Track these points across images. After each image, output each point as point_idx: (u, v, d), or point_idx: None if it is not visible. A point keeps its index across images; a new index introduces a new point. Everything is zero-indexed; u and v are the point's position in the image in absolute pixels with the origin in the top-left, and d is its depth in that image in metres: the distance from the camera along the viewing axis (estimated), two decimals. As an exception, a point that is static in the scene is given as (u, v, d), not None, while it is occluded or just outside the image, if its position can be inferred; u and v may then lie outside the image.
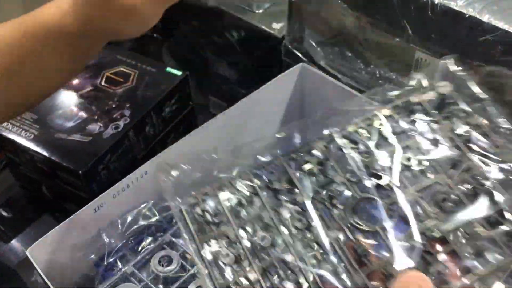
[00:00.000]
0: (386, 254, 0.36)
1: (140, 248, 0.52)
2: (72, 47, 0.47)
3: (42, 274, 0.43)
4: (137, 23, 0.45)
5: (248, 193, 0.39)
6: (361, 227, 0.37)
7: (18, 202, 0.73)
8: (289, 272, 0.35)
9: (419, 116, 0.45)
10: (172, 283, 0.49)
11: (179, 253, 0.52)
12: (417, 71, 0.60)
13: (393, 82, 0.63)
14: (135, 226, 0.52)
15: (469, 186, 0.40)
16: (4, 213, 0.71)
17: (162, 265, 0.50)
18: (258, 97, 0.60)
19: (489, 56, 0.54)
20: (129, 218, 0.52)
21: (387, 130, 0.43)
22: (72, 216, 0.47)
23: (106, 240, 0.50)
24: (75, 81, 0.73)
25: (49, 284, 0.43)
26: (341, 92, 0.60)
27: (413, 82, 0.48)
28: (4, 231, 0.69)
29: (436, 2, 0.54)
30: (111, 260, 0.50)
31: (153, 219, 0.53)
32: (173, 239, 0.52)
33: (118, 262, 0.50)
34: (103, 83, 0.73)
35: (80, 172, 0.62)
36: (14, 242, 0.66)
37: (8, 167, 0.72)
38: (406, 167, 0.41)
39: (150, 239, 0.52)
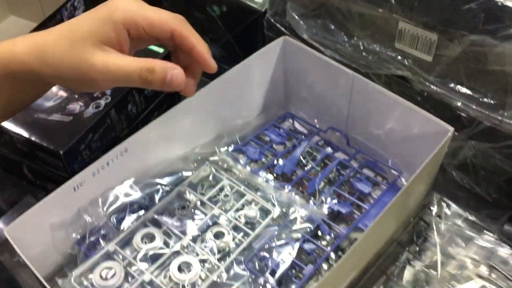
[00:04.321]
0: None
1: (122, 226, 0.51)
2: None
3: (20, 253, 0.42)
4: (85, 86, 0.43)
5: None
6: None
7: (0, 182, 0.71)
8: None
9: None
10: (155, 260, 0.49)
11: (162, 230, 0.51)
12: (400, 42, 0.59)
13: (377, 54, 0.62)
14: (117, 204, 0.51)
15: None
16: (-14, 196, 0.70)
17: (145, 243, 0.50)
18: (240, 71, 0.59)
19: (473, 25, 0.53)
20: (110, 196, 0.51)
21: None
22: (50, 194, 0.46)
23: (87, 218, 0.49)
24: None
25: (29, 264, 0.42)
26: (324, 65, 0.59)
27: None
28: (-14, 214, 0.67)
29: (418, -30, 0.53)
30: (93, 238, 0.50)
31: (135, 197, 0.52)
32: (156, 217, 0.52)
33: (101, 241, 0.50)
34: (83, 61, 0.72)
35: (60, 152, 0.61)
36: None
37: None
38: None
39: (132, 216, 0.51)
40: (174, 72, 0.41)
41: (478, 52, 0.55)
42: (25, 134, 0.63)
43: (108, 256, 0.49)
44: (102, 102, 0.67)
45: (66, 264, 0.50)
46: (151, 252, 0.49)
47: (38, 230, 0.47)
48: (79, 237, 0.50)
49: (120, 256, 0.49)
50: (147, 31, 0.42)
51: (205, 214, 0.53)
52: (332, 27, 0.64)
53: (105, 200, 0.51)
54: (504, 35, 0.51)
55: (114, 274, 0.47)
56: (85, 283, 0.46)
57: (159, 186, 0.54)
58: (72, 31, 0.41)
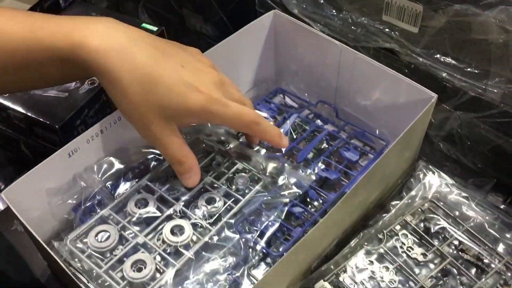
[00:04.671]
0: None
1: (117, 192, 0.52)
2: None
3: (18, 215, 0.43)
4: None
5: None
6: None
7: (-2, 161, 0.73)
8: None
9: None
10: (148, 224, 0.50)
11: (155, 197, 0.52)
12: (388, 14, 0.61)
13: (365, 27, 0.64)
14: (112, 171, 0.53)
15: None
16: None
17: (139, 207, 0.51)
18: (230, 45, 0.60)
19: (456, -6, 0.55)
20: (105, 163, 0.52)
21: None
22: (46, 159, 0.48)
23: (83, 185, 0.51)
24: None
25: (27, 226, 0.43)
26: (313, 37, 0.61)
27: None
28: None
29: None
30: (88, 204, 0.51)
31: (129, 164, 0.53)
32: (149, 184, 0.53)
33: (96, 207, 0.51)
34: (78, 40, 0.73)
35: (57, 127, 0.63)
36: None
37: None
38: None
39: (127, 184, 0.53)
40: (190, 178, 0.51)
41: (462, 22, 0.56)
42: (21, 109, 0.64)
43: (103, 221, 0.50)
44: (97, 78, 0.69)
45: (62, 230, 0.51)
46: (145, 216, 0.50)
47: (34, 195, 0.49)
48: (75, 202, 0.51)
49: (115, 221, 0.50)
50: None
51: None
52: (321, 1, 0.65)
53: (100, 167, 0.52)
54: (487, 4, 0.53)
55: (108, 237, 0.48)
56: (80, 245, 0.48)
57: (152, 155, 0.55)
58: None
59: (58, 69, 0.45)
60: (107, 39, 0.43)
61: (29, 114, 0.64)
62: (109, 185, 0.53)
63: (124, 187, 0.53)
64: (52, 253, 0.42)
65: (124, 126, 0.53)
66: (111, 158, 0.53)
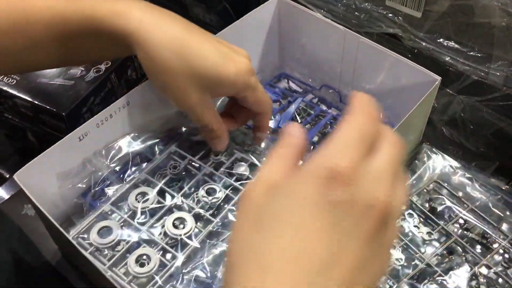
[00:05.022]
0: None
1: (126, 176, 0.53)
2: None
3: (31, 196, 0.44)
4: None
5: None
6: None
7: (4, 150, 0.73)
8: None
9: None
10: (152, 215, 0.50)
11: (155, 190, 0.52)
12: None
13: (369, 12, 0.64)
14: (120, 155, 0.53)
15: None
16: (-9, 161, 0.72)
17: (138, 201, 0.51)
18: (235, 31, 0.61)
19: (459, -22, 0.55)
20: (114, 148, 0.53)
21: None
22: (56, 143, 0.48)
23: (92, 169, 0.52)
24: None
25: (40, 207, 0.44)
26: (317, 22, 0.61)
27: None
28: (-8, 178, 0.70)
29: None
30: (97, 188, 0.52)
31: (137, 149, 0.54)
32: (149, 176, 0.53)
33: (105, 190, 0.52)
34: (82, 29, 0.74)
35: (63, 114, 0.63)
36: (3, 187, 0.67)
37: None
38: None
39: (134, 168, 0.53)
40: (220, 143, 0.52)
41: (464, 6, 0.57)
42: (28, 97, 0.65)
43: (104, 217, 0.50)
44: (103, 66, 0.69)
45: (72, 214, 0.52)
46: (147, 208, 0.50)
47: (45, 179, 0.49)
48: (84, 186, 0.52)
49: (116, 216, 0.50)
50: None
51: (198, 172, 0.54)
52: (324, -13, 0.66)
53: (108, 152, 0.53)
54: (489, -13, 0.53)
55: (111, 232, 0.48)
56: (83, 242, 0.48)
57: (159, 140, 0.56)
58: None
59: (96, 42, 0.47)
60: (149, 12, 0.45)
61: (36, 102, 0.65)
62: (117, 169, 0.53)
63: (132, 171, 0.53)
64: (66, 235, 0.42)
65: (131, 111, 0.54)
66: (120, 143, 0.54)
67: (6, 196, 0.62)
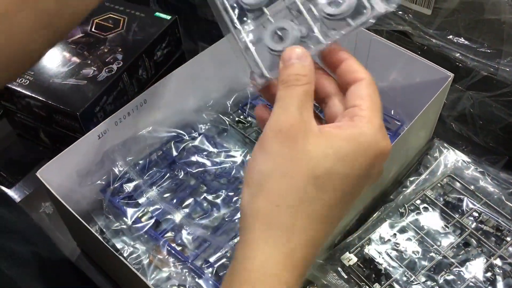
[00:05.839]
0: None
1: (144, 172, 0.54)
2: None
3: (53, 191, 0.44)
4: None
5: None
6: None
7: (16, 150, 0.74)
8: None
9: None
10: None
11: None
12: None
13: None
14: (138, 152, 0.54)
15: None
16: (4, 161, 0.72)
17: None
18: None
19: (469, -25, 0.56)
20: (132, 145, 0.54)
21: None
22: (77, 141, 0.49)
23: (111, 165, 0.52)
24: (65, 29, 0.73)
25: (63, 202, 0.44)
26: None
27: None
28: (6, 177, 0.70)
29: None
30: (116, 185, 0.52)
31: (155, 145, 0.55)
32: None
33: (124, 187, 0.52)
34: (93, 29, 0.74)
35: (77, 114, 0.64)
36: (16, 187, 0.68)
37: (5, 116, 0.73)
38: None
39: (153, 163, 0.54)
40: None
41: (474, 3, 0.58)
42: (41, 97, 0.65)
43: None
44: (114, 66, 0.70)
45: (92, 210, 0.53)
46: None
47: (66, 176, 0.50)
48: (104, 183, 0.52)
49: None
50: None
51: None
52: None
53: (127, 148, 0.53)
54: (499, -16, 0.54)
55: None
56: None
57: (175, 133, 0.56)
58: None
59: None
60: None
61: (50, 102, 0.65)
62: (135, 165, 0.54)
63: (150, 166, 0.54)
64: (91, 229, 0.43)
65: (148, 108, 0.55)
66: (138, 139, 0.54)
67: (19, 194, 0.63)
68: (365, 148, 0.31)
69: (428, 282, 0.47)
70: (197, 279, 0.47)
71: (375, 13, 0.35)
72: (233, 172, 0.55)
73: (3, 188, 0.67)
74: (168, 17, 0.74)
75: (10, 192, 0.66)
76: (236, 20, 0.36)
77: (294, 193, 0.30)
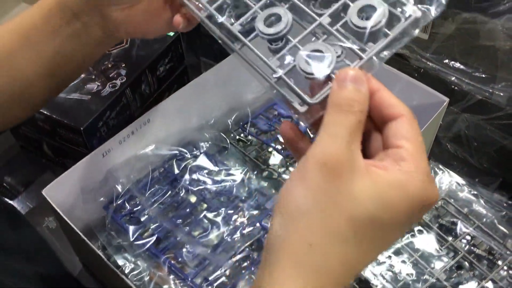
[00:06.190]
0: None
1: (146, 190, 0.55)
2: None
3: (58, 209, 0.46)
4: None
5: None
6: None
7: (20, 162, 0.75)
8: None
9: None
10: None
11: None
12: None
13: None
14: (141, 170, 0.55)
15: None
16: (7, 172, 0.73)
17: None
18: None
19: (465, 3, 0.58)
20: (135, 163, 0.55)
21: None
22: (83, 159, 0.50)
23: (114, 183, 0.54)
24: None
25: (67, 220, 0.46)
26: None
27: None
28: (9, 189, 0.71)
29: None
30: (119, 202, 0.54)
31: (156, 162, 0.56)
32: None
33: (126, 204, 0.54)
34: (97, 44, 0.75)
35: (81, 128, 0.65)
36: (19, 198, 0.69)
37: (8, 129, 0.74)
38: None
39: (155, 181, 0.55)
40: None
41: (470, 29, 0.59)
42: (46, 112, 0.67)
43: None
44: (118, 82, 0.71)
45: (94, 226, 0.54)
46: None
47: (70, 193, 0.51)
48: (107, 200, 0.54)
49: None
50: None
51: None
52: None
53: (130, 167, 0.55)
54: (494, 12, 0.56)
55: None
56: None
57: (177, 152, 0.58)
58: None
59: None
60: None
61: (54, 116, 0.66)
62: (138, 183, 0.55)
63: (152, 184, 0.56)
64: (93, 247, 0.44)
65: (151, 127, 0.56)
66: (141, 158, 0.56)
67: (21, 206, 0.64)
68: (412, 197, 0.29)
69: (422, 304, 0.49)
70: (196, 297, 0.48)
71: (411, 19, 0.32)
72: (234, 190, 0.56)
73: (7, 199, 0.69)
74: (171, 33, 0.75)
75: (13, 204, 0.67)
76: (264, 58, 0.34)
77: (329, 233, 0.29)
